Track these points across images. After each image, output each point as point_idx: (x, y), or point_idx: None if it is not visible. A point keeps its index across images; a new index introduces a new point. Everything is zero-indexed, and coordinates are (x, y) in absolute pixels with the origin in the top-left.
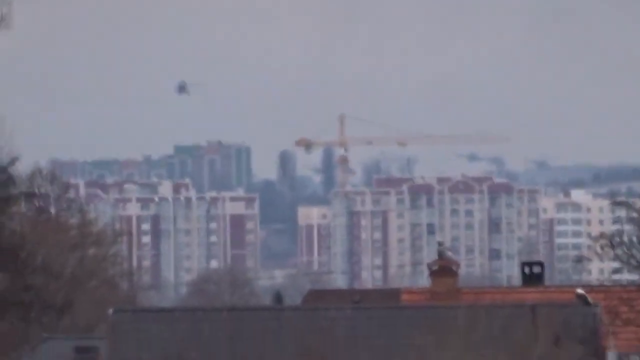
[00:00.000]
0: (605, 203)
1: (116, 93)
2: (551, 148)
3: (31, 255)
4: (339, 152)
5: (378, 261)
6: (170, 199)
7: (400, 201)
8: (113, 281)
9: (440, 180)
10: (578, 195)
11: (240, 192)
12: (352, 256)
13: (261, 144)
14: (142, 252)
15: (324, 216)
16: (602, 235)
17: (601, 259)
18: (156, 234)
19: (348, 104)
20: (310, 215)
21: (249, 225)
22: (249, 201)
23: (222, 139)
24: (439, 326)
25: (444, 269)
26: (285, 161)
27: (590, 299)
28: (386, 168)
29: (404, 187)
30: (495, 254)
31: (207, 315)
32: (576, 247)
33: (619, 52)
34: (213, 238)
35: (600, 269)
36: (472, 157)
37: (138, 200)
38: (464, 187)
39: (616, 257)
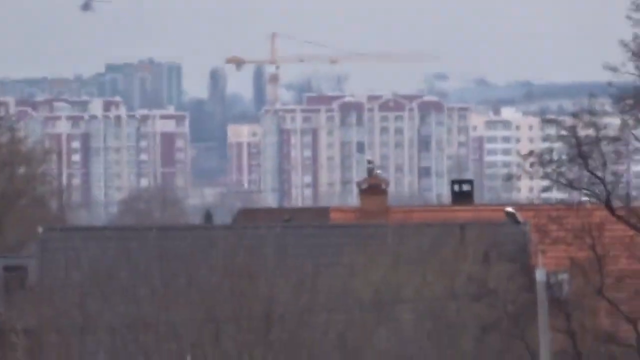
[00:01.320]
0: (535, 121)
1: (43, 8)
2: (483, 66)
3: None
4: (270, 69)
5: (308, 179)
6: (100, 117)
7: (330, 119)
8: (42, 200)
9: (371, 98)
10: (508, 113)
11: (171, 110)
12: (282, 174)
13: (192, 61)
14: (72, 171)
15: (254, 134)
16: (531, 153)
17: (530, 177)
18: (86, 152)
19: (280, 21)
20: (240, 133)
21: (179, 143)
22: (180, 119)
23: (153, 57)
24: (368, 244)
25: (373, 187)
26: (215, 79)
27: (519, 217)
28: (317, 86)
29: (335, 105)
30: (424, 172)
31: (137, 234)
32: (506, 165)
33: None
34: (143, 156)
35: (529, 187)
36: (402, 76)
37: (68, 118)
38: (394, 105)
39: (545, 175)
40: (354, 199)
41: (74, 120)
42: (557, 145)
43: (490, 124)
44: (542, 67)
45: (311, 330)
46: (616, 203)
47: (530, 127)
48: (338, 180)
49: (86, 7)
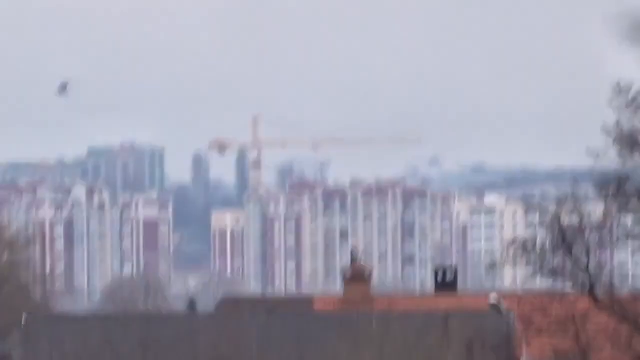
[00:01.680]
0: (518, 207)
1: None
2: (465, 151)
3: None
4: (253, 154)
5: (292, 266)
6: (83, 202)
7: (313, 205)
8: (26, 287)
9: (354, 184)
10: (492, 199)
11: (154, 195)
12: (266, 261)
13: (174, 145)
14: (55, 257)
15: (238, 220)
16: (515, 240)
17: (514, 265)
18: (69, 238)
19: (262, 105)
20: (223, 219)
21: (162, 229)
22: (163, 204)
23: (135, 141)
24: (353, 333)
25: (356, 275)
26: (198, 164)
27: (503, 307)
28: (300, 171)
29: (318, 191)
30: (408, 260)
31: (120, 322)
32: (489, 252)
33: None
34: (126, 243)
35: (513, 275)
36: (385, 161)
37: (51, 203)
38: (377, 191)
39: (529, 263)
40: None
41: (57, 206)
42: (541, 232)
43: (473, 210)
44: (525, 152)
45: None
46: (601, 292)
47: (514, 214)
48: (322, 268)
49: (62, 89)
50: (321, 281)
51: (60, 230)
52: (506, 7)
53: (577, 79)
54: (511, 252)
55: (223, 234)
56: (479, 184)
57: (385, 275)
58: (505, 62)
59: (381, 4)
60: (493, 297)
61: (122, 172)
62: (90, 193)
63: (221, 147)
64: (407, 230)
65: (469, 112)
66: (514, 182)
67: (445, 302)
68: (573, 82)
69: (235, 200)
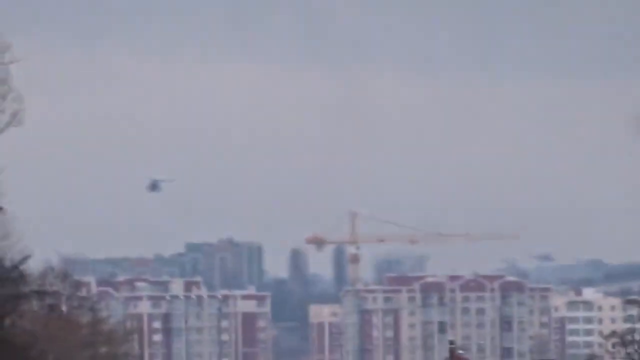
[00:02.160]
0: (616, 301)
1: (124, 191)
2: (562, 246)
3: (43, 354)
4: (350, 249)
5: (390, 359)
6: (181, 296)
7: (411, 299)
8: None
9: (452, 278)
10: (589, 293)
11: (252, 290)
12: (364, 354)
13: (272, 241)
14: (153, 351)
15: (335, 314)
16: (613, 333)
17: (613, 358)
18: (167, 332)
19: (359, 202)
20: (321, 313)
21: (261, 323)
22: (261, 299)
23: (233, 236)
24: None
25: None
26: (296, 259)
27: None
28: (397, 266)
29: (416, 285)
30: (507, 353)
31: None
32: (588, 345)
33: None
34: (225, 336)
35: None
36: (483, 255)
37: (149, 298)
38: (476, 285)
39: (628, 356)
40: None
41: (155, 300)
42: (639, 326)
43: (571, 304)
44: (619, 245)
45: None
46: None
47: (612, 308)
48: None
49: (153, 187)
50: None
51: (158, 324)
52: (594, 99)
53: None
54: (610, 345)
55: (321, 328)
56: (576, 278)
57: None
58: (600, 158)
59: (476, 104)
60: None
61: (220, 267)
62: (188, 287)
63: (319, 243)
64: (505, 324)
65: (564, 208)
66: (610, 277)
67: None
68: None
69: (333, 295)
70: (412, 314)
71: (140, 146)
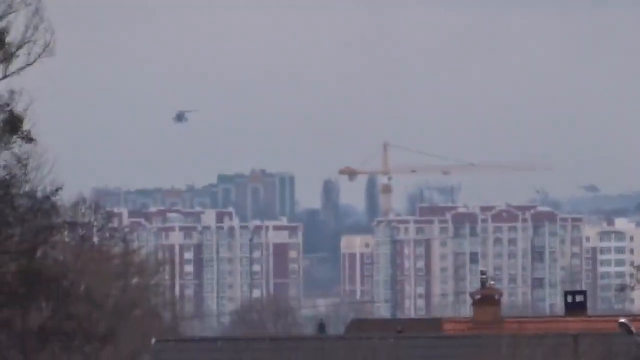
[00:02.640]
0: None
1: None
2: (595, 176)
3: (74, 285)
4: (382, 180)
5: (421, 290)
6: (213, 228)
7: (443, 230)
8: (156, 311)
9: (484, 209)
10: (622, 223)
11: (284, 221)
12: (395, 285)
13: (305, 173)
14: (185, 282)
15: (367, 245)
16: None
17: None
18: (199, 263)
19: (392, 133)
20: (353, 244)
21: (293, 254)
22: (293, 230)
23: (266, 168)
24: (482, 355)
25: (486, 298)
26: (329, 190)
27: (633, 328)
28: (430, 197)
29: (448, 216)
30: (538, 283)
31: (250, 344)
32: (619, 275)
33: None
34: (256, 267)
35: None
36: (515, 187)
37: (181, 229)
38: (508, 216)
39: None
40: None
41: (187, 231)
42: None
43: (603, 235)
44: None
45: None
46: None
47: None
48: (451, 291)
49: (180, 118)
50: (450, 305)
51: (189, 256)
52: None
53: None
54: None
55: (353, 259)
56: (609, 209)
57: (515, 298)
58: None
59: (507, 32)
60: (623, 319)
61: (253, 198)
62: (220, 218)
63: (351, 174)
64: (537, 254)
65: (598, 138)
66: None
67: (576, 324)
68: None
69: (365, 226)
70: (443, 244)
71: (169, 79)
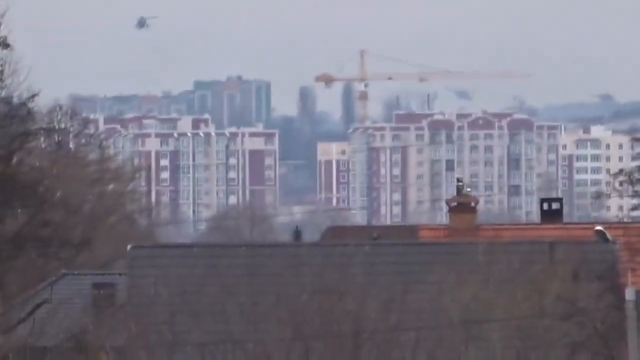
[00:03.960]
0: (625, 139)
1: (128, 28)
2: (572, 84)
3: (50, 191)
4: (359, 87)
5: (397, 197)
6: (189, 134)
7: (419, 137)
8: (132, 217)
9: (460, 116)
10: (598, 131)
11: (260, 127)
12: (371, 192)
13: (281, 79)
14: (160, 188)
15: (343, 152)
16: (621, 171)
17: (620, 196)
18: (175, 169)
19: (368, 40)
20: (329, 151)
21: (268, 161)
22: (269, 137)
23: (242, 74)
24: (458, 262)
25: (462, 205)
26: (304, 97)
27: (609, 235)
28: (406, 104)
29: (424, 123)
30: (514, 191)
31: (226, 251)
32: (595, 183)
33: None
34: (232, 174)
35: (619, 206)
36: (491, 94)
37: (157, 135)
38: (484, 123)
39: (635, 194)
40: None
41: (163, 137)
42: None
43: (579, 142)
44: (629, 82)
45: (400, 348)
46: None
47: (620, 146)
48: (427, 198)
49: (141, 24)
50: (427, 212)
51: (165, 162)
52: None
53: None
54: (617, 183)
55: (329, 166)
56: (585, 116)
57: (491, 206)
58: None
59: None
60: (599, 227)
61: (229, 104)
62: (196, 125)
63: (327, 81)
64: (513, 161)
65: (575, 46)
66: (619, 115)
67: (551, 232)
68: None
69: (341, 133)
70: (420, 151)
71: None
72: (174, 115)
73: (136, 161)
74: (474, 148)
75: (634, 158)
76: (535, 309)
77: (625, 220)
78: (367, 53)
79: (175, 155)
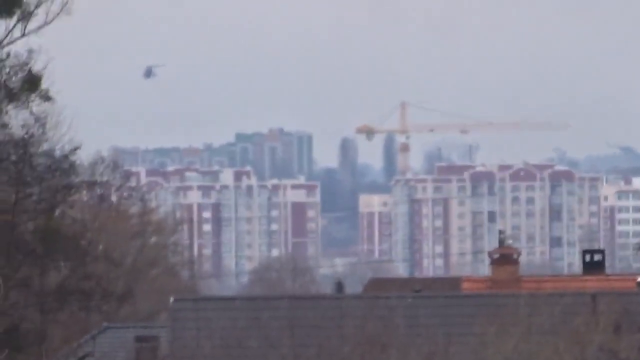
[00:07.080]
0: None
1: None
2: (613, 135)
3: (92, 244)
4: (400, 139)
5: (439, 249)
6: (231, 186)
7: (461, 189)
8: (174, 270)
9: (502, 168)
10: (639, 182)
11: (302, 179)
12: (413, 244)
13: (322, 131)
14: (203, 241)
15: (385, 204)
16: None
17: None
18: (217, 222)
19: (409, 91)
20: (371, 203)
21: (310, 213)
22: (310, 189)
23: (283, 126)
24: (500, 314)
25: (505, 257)
26: (346, 149)
27: None
28: (447, 155)
29: (465, 175)
30: (556, 242)
31: (268, 303)
32: (637, 234)
33: None
34: (274, 226)
35: None
36: (533, 145)
37: (199, 188)
38: (526, 174)
39: None
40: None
41: (205, 190)
42: None
43: (621, 194)
44: None
45: None
46: None
47: None
48: (469, 250)
49: (148, 74)
50: (469, 264)
51: (208, 214)
52: None
53: None
54: None
55: (371, 217)
56: (627, 167)
57: (533, 257)
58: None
59: None
60: None
61: (270, 156)
62: (238, 177)
63: (369, 132)
64: (555, 213)
65: (616, 95)
66: None
67: (593, 283)
68: None
69: (383, 184)
70: (461, 203)
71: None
72: (215, 167)
73: (178, 214)
74: (515, 200)
75: None
76: None
77: None
78: (408, 104)
79: (217, 207)
